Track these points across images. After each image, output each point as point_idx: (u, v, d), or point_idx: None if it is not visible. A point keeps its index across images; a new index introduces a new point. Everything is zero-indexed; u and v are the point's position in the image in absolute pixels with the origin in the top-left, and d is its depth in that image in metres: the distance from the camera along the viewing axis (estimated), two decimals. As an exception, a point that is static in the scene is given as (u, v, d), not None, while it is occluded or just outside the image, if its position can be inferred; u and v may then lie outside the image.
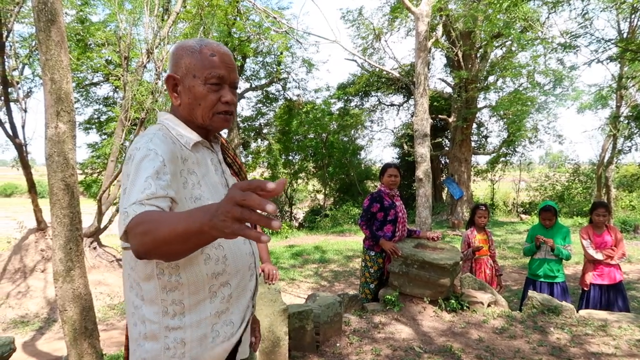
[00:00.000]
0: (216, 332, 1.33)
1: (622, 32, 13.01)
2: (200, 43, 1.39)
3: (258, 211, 0.82)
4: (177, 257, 1.02)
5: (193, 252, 0.99)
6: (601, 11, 10.76)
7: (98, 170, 17.23)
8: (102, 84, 17.21)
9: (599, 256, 4.69)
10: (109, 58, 13.75)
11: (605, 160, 14.81)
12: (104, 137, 17.64)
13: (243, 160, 20.55)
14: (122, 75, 7.81)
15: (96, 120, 18.38)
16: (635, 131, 12.86)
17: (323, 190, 22.15)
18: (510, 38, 14.34)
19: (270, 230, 16.24)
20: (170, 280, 1.27)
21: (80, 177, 16.46)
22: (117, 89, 15.65)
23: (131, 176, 1.19)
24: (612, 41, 9.05)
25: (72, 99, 3.13)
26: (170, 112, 1.45)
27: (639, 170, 21.37)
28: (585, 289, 4.86)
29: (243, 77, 19.84)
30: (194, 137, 1.39)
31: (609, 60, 9.22)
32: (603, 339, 3.81)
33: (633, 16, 12.00)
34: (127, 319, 1.38)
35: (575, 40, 9.43)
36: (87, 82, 16.78)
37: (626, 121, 13.37)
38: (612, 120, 13.74)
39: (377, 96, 22.74)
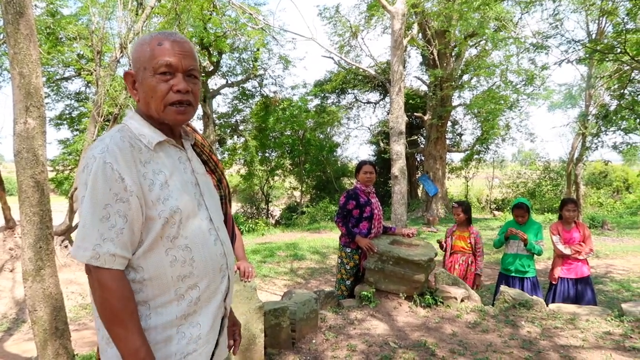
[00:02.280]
0: (182, 333, 1.30)
1: (591, 33, 13.36)
2: (152, 34, 1.35)
3: None
4: None
5: None
6: (571, 12, 11.03)
7: (70, 167, 16.85)
8: (73, 78, 16.81)
9: (567, 251, 4.83)
10: (81, 52, 13.42)
11: (575, 158, 15.22)
12: (75, 133, 17.26)
13: (219, 157, 20.33)
14: (95, 70, 7.65)
15: (67, 116, 17.96)
16: (603, 129, 13.25)
17: (300, 188, 22.16)
18: (484, 37, 14.58)
19: (246, 228, 16.15)
20: (134, 281, 1.26)
21: (51, 174, 16.08)
22: (90, 84, 15.33)
23: (88, 197, 1.21)
24: (582, 42, 9.29)
25: (42, 93, 3.06)
26: (134, 110, 1.41)
27: (605, 167, 22.00)
28: (554, 282, 5.00)
29: (219, 73, 19.65)
30: (156, 136, 1.34)
31: (578, 61, 9.46)
32: (572, 332, 3.92)
33: (601, 18, 12.33)
34: (95, 323, 1.36)
35: (546, 40, 9.65)
36: (58, 77, 16.36)
37: (594, 120, 13.75)
38: (581, 119, 14.12)
39: (353, 93, 22.84)
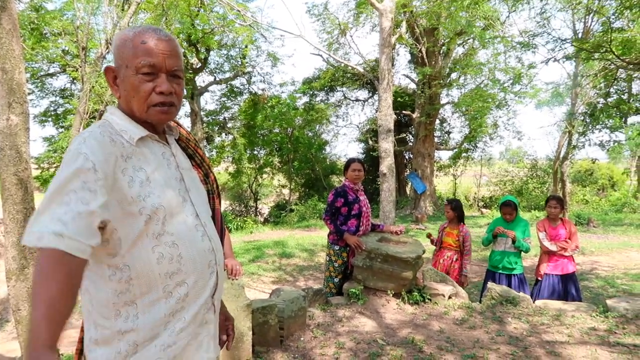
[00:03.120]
0: (169, 330, 1.28)
1: (577, 32, 13.50)
2: (135, 30, 1.30)
3: None
4: None
5: None
6: (558, 11, 11.12)
7: (55, 165, 16.65)
8: (58, 75, 16.63)
9: (553, 248, 4.88)
10: (66, 48, 13.27)
11: (561, 156, 15.38)
12: (61, 130, 17.06)
13: (207, 154, 20.25)
14: (80, 67, 7.56)
15: (52, 113, 17.75)
16: (590, 127, 13.44)
17: (288, 185, 22.12)
18: (472, 36, 14.66)
19: (234, 226, 16.10)
20: (121, 281, 1.23)
21: (37, 172, 15.88)
22: (75, 81, 15.15)
23: (52, 185, 1.13)
24: (568, 40, 9.38)
25: (25, 90, 3.01)
26: (116, 106, 1.38)
27: (591, 165, 22.28)
28: (539, 278, 5.05)
29: (207, 70, 19.54)
30: (139, 131, 1.31)
31: (565, 59, 9.55)
32: (557, 328, 3.96)
33: (587, 17, 12.45)
34: (84, 322, 1.33)
35: (533, 39, 9.72)
36: (42, 73, 16.17)
37: (581, 118, 13.91)
38: (568, 117, 14.27)
39: (342, 91, 22.86)
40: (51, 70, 16.28)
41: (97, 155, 1.17)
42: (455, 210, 5.27)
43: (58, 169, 1.20)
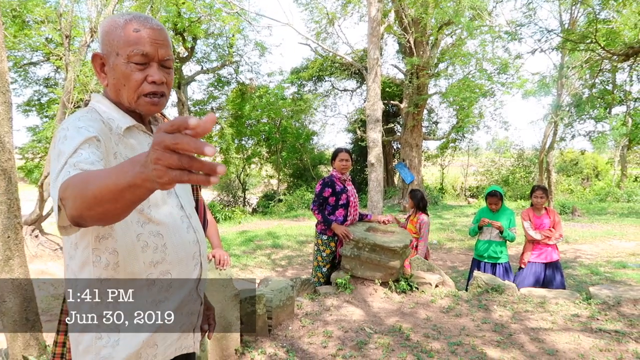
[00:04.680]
0: (153, 323, 1.28)
1: (564, 22, 13.57)
2: (125, 17, 1.28)
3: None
4: (114, 218, 0.91)
5: (131, 209, 0.89)
6: (544, 1, 11.17)
7: (39, 155, 16.43)
8: (42, 63, 16.32)
9: (537, 236, 4.96)
10: (50, 36, 13.02)
11: (547, 146, 15.53)
12: (45, 120, 16.81)
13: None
14: (64, 55, 7.43)
15: (36, 102, 17.47)
16: (575, 118, 13.58)
17: (277, 176, 22.08)
18: (459, 26, 14.65)
19: (222, 216, 16.03)
20: (107, 266, 1.22)
21: (21, 162, 15.66)
22: (59, 70, 14.91)
23: (57, 149, 1.10)
24: (554, 31, 9.43)
25: (7, 78, 2.96)
26: (102, 94, 1.35)
27: (577, 155, 22.53)
28: (523, 266, 5.14)
29: (194, 59, 19.33)
30: (126, 120, 1.29)
31: (551, 50, 9.62)
32: (541, 315, 4.04)
33: (574, 7, 12.53)
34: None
35: (520, 29, 9.76)
36: (25, 62, 15.87)
37: (567, 108, 14.04)
38: (554, 108, 14.39)
39: (330, 81, 22.77)
40: (34, 59, 15.99)
41: (96, 130, 1.16)
42: (412, 199, 5.56)
43: (53, 149, 1.14)
